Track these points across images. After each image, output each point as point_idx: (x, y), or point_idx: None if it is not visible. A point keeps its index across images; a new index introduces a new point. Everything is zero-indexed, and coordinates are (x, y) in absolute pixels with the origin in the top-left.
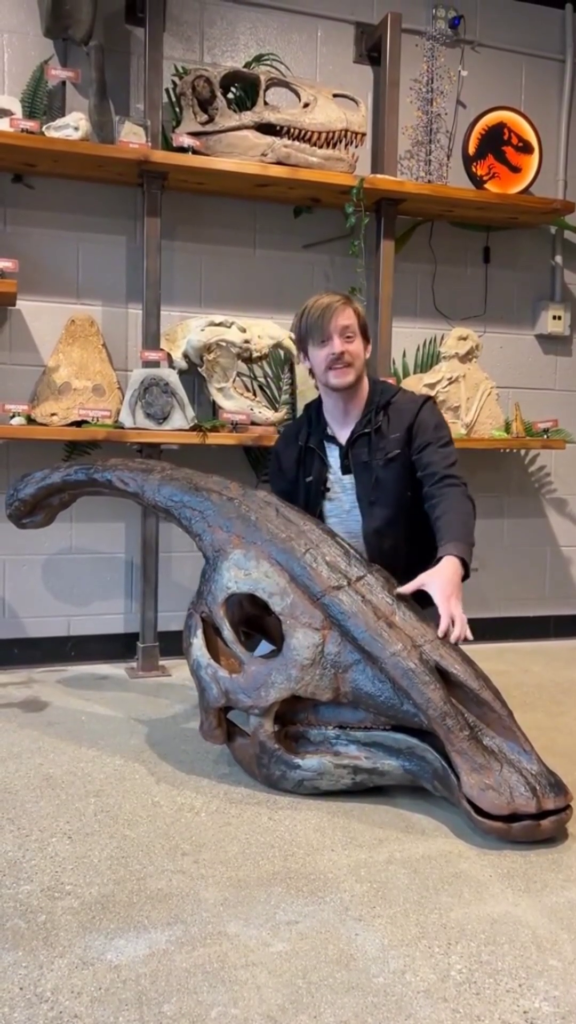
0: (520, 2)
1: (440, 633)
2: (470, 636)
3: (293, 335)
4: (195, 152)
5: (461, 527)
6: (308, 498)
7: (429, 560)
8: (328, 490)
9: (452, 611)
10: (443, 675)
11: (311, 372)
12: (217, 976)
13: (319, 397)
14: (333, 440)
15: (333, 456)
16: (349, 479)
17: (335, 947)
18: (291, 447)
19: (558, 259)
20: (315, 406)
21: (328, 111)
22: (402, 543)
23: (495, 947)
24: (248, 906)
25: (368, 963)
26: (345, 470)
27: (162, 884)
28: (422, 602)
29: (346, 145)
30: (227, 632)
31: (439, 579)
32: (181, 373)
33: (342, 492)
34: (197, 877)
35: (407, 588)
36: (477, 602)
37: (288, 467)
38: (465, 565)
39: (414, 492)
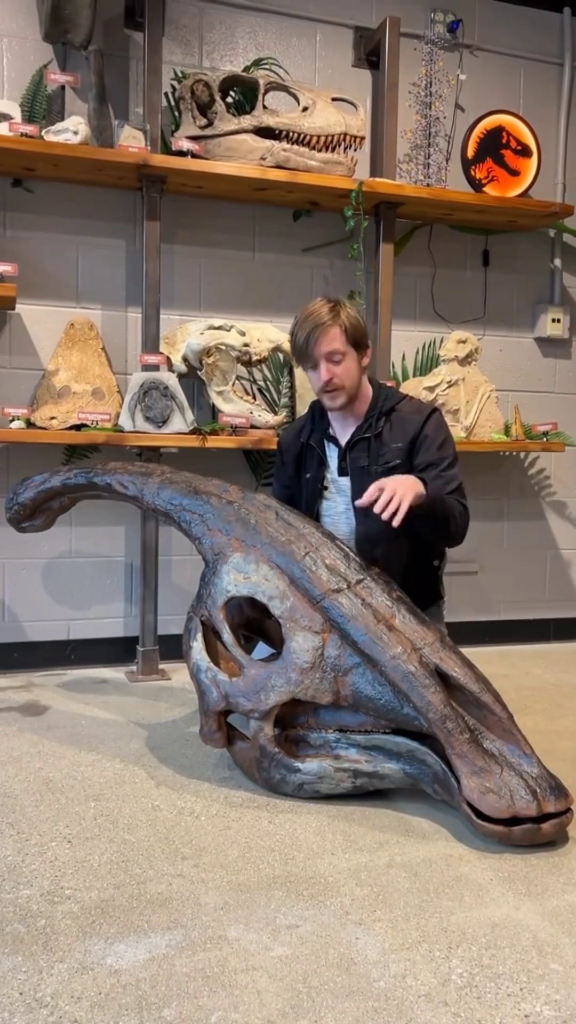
0: (518, 6)
1: (364, 500)
2: (395, 519)
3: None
4: (194, 156)
5: (447, 496)
6: (307, 495)
7: (421, 572)
8: (326, 489)
9: (384, 484)
10: (443, 678)
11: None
12: (217, 980)
13: None
14: (334, 440)
15: (332, 456)
16: (345, 481)
17: (335, 951)
18: (294, 443)
19: (557, 262)
20: (320, 405)
21: (327, 115)
22: (394, 552)
23: (496, 951)
24: (248, 910)
25: (369, 967)
26: (342, 472)
27: (162, 888)
28: (421, 605)
29: (345, 149)
30: (227, 636)
31: (391, 478)
32: (180, 377)
33: (337, 493)
34: (197, 881)
35: (362, 501)
36: (477, 605)
37: (289, 462)
38: (428, 499)
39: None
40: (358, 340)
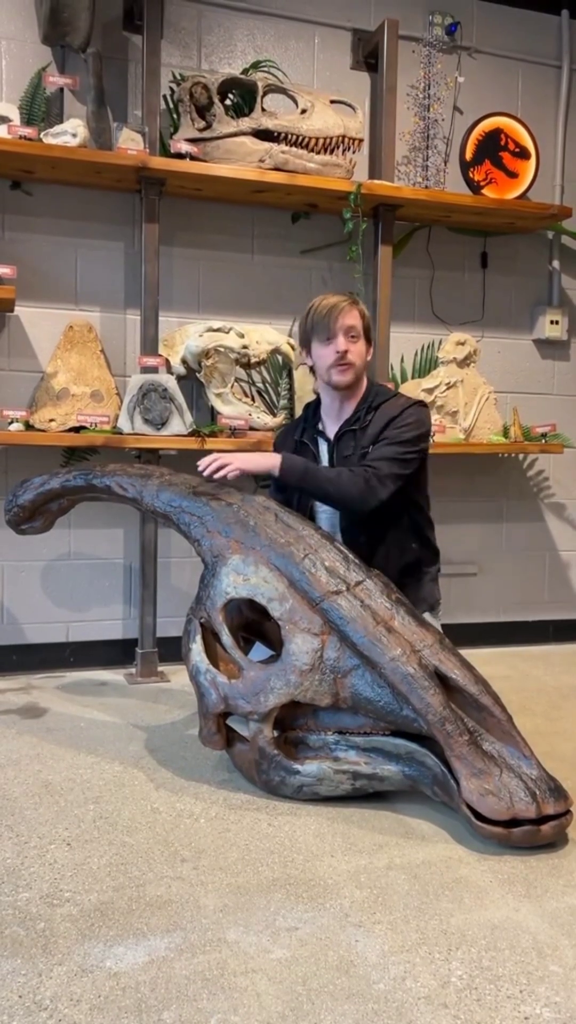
0: (516, 8)
1: (200, 465)
2: (214, 473)
3: (297, 333)
4: (193, 158)
5: (315, 467)
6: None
7: (408, 562)
8: None
9: (220, 454)
10: (442, 680)
11: (312, 370)
12: (217, 983)
13: (318, 396)
14: (324, 435)
15: (323, 451)
16: None
17: (335, 954)
18: (288, 442)
19: (555, 264)
20: (314, 404)
21: (326, 117)
22: (378, 542)
23: (496, 953)
24: (248, 912)
25: (368, 969)
26: (331, 465)
27: (161, 891)
28: (419, 606)
29: (344, 151)
30: (226, 638)
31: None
32: (180, 379)
33: None
34: (196, 884)
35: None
36: (476, 607)
37: None
38: (282, 472)
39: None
40: (368, 331)
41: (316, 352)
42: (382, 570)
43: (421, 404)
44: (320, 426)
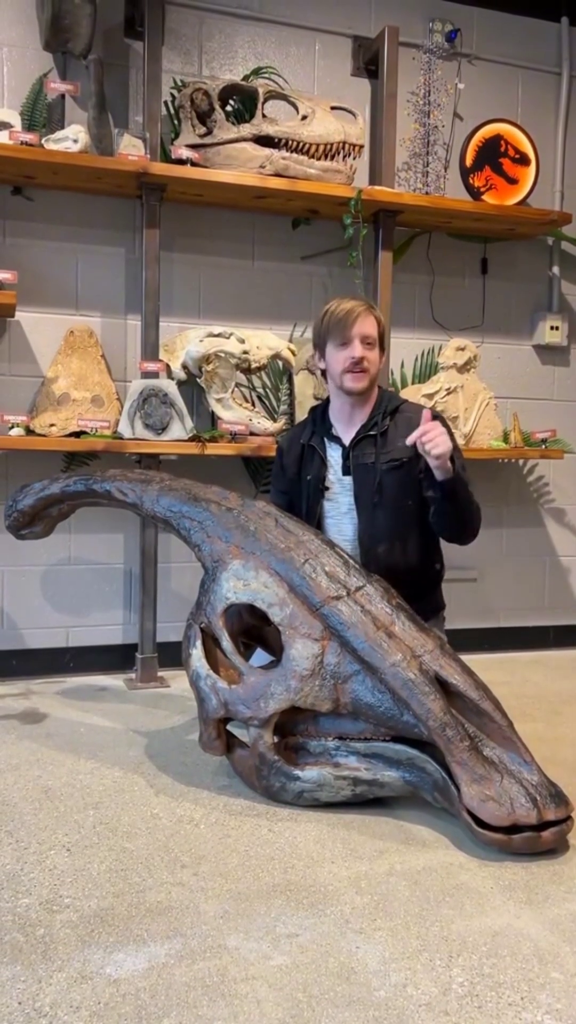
0: (516, 16)
1: (416, 434)
2: (438, 447)
3: (311, 335)
4: (194, 164)
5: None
6: (308, 497)
7: (422, 569)
8: (327, 489)
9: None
10: (443, 685)
11: (324, 373)
12: (217, 990)
13: (326, 400)
14: (336, 440)
15: (334, 456)
16: (349, 480)
17: (336, 960)
18: (294, 446)
19: (555, 270)
20: (320, 408)
21: (326, 123)
22: (396, 550)
23: (497, 960)
24: (248, 919)
25: (369, 976)
26: (346, 471)
27: (161, 897)
28: (423, 615)
29: (344, 157)
30: (226, 643)
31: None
32: (180, 384)
33: (340, 493)
34: (196, 890)
35: (413, 436)
36: (477, 612)
37: (289, 465)
38: (456, 468)
39: (414, 501)
40: (383, 339)
41: (330, 356)
42: (398, 577)
43: (438, 415)
44: (333, 431)
